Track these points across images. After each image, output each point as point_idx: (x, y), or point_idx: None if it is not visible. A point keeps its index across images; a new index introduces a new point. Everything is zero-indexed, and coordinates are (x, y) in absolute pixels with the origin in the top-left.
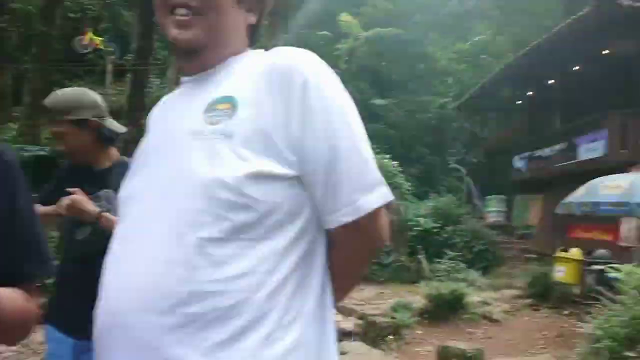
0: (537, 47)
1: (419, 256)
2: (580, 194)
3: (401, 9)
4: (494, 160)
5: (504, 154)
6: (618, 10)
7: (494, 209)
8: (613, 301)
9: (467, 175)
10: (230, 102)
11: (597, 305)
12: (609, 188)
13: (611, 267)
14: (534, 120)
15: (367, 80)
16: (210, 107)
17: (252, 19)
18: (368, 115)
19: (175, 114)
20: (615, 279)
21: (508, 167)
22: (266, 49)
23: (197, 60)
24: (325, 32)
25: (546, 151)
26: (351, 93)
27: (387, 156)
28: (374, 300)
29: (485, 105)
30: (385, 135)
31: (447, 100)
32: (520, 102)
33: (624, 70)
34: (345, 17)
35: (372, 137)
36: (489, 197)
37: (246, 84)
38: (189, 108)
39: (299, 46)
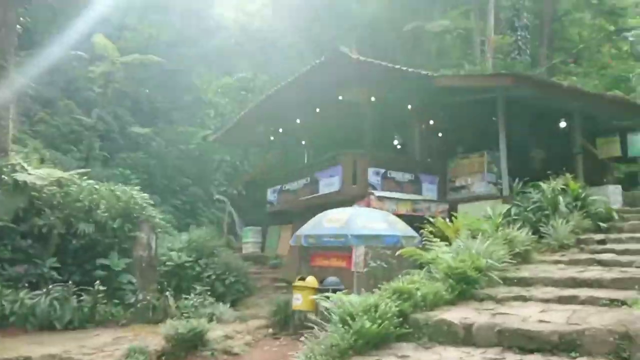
0: (283, 89)
1: (166, 293)
2: (308, 227)
3: (166, 38)
4: (253, 192)
5: (261, 186)
6: (349, 62)
7: (250, 240)
8: (323, 329)
9: (231, 207)
10: None
11: (310, 334)
12: (331, 221)
13: (324, 296)
14: (285, 155)
15: (126, 107)
16: None
17: None
18: (127, 143)
19: None
20: (326, 308)
21: (265, 199)
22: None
23: None
24: (79, 53)
25: (294, 185)
26: (106, 119)
27: (137, 188)
28: (108, 347)
29: (242, 139)
30: (145, 165)
31: (209, 132)
32: (273, 138)
33: (355, 114)
34: (99, 39)
35: (131, 166)
36: (245, 228)
37: None
38: None
39: (48, 65)
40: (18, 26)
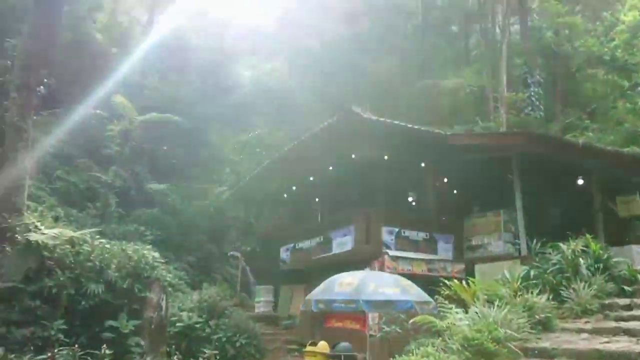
0: (297, 147)
1: (174, 357)
2: (318, 291)
3: (184, 97)
4: (266, 250)
5: (274, 244)
6: (361, 121)
7: (262, 299)
8: None
9: (245, 264)
10: None
11: None
12: (342, 285)
13: None
14: (298, 213)
15: (143, 164)
16: None
17: None
18: (143, 200)
19: None
20: None
21: (278, 257)
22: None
23: None
24: (99, 112)
25: (307, 243)
26: (123, 176)
27: (149, 247)
28: None
29: (256, 196)
30: (160, 222)
31: (225, 189)
32: (286, 195)
33: (367, 173)
34: (119, 98)
35: (146, 222)
36: (258, 287)
37: None
38: None
39: (69, 123)
40: (42, 87)
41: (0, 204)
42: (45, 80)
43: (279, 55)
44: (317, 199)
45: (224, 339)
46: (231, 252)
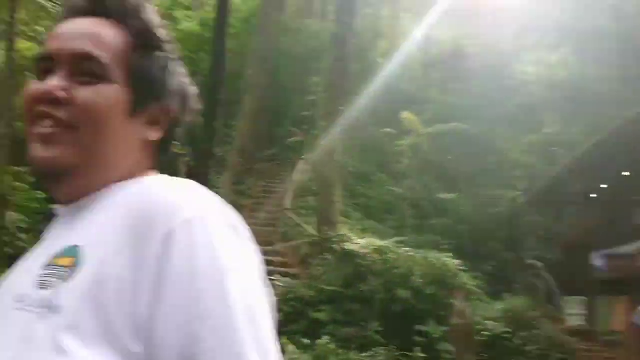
0: (606, 139)
1: None
2: None
3: (466, 104)
4: (571, 258)
5: (581, 250)
6: None
7: (572, 312)
8: None
9: (547, 273)
10: (73, 257)
11: None
12: None
13: None
14: (611, 215)
15: (432, 175)
16: (51, 261)
17: (155, 134)
18: (434, 210)
19: (24, 264)
20: None
21: (586, 265)
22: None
23: (68, 186)
24: (388, 130)
25: (627, 248)
26: (415, 188)
27: (449, 255)
28: None
29: (556, 199)
30: (453, 231)
31: (518, 194)
32: (594, 195)
33: None
34: (406, 115)
35: (440, 232)
36: (567, 298)
37: (103, 229)
38: (38, 257)
39: (363, 143)
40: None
41: (321, 219)
42: (341, 107)
43: (565, 45)
44: (635, 197)
45: (536, 352)
46: (530, 261)
